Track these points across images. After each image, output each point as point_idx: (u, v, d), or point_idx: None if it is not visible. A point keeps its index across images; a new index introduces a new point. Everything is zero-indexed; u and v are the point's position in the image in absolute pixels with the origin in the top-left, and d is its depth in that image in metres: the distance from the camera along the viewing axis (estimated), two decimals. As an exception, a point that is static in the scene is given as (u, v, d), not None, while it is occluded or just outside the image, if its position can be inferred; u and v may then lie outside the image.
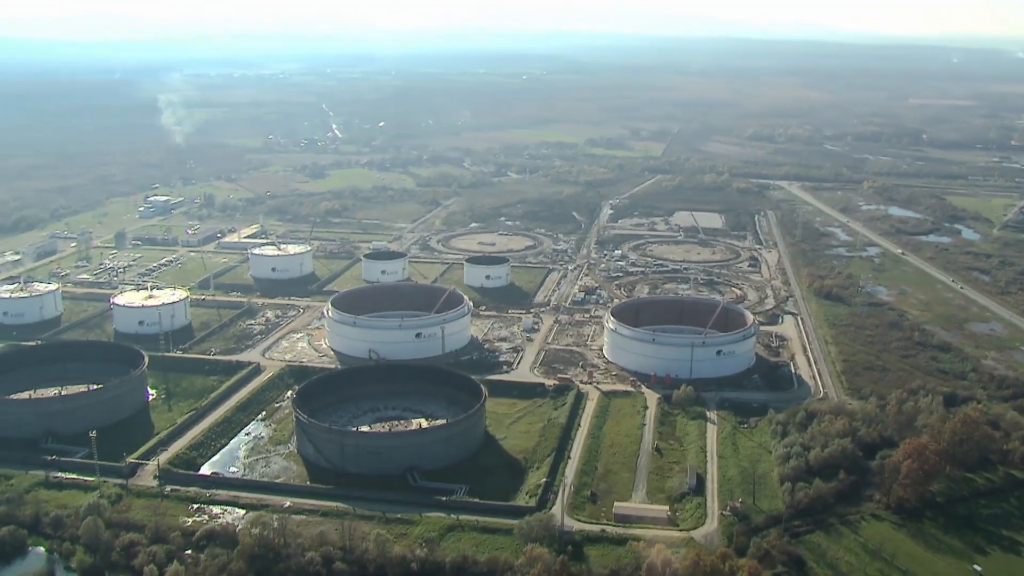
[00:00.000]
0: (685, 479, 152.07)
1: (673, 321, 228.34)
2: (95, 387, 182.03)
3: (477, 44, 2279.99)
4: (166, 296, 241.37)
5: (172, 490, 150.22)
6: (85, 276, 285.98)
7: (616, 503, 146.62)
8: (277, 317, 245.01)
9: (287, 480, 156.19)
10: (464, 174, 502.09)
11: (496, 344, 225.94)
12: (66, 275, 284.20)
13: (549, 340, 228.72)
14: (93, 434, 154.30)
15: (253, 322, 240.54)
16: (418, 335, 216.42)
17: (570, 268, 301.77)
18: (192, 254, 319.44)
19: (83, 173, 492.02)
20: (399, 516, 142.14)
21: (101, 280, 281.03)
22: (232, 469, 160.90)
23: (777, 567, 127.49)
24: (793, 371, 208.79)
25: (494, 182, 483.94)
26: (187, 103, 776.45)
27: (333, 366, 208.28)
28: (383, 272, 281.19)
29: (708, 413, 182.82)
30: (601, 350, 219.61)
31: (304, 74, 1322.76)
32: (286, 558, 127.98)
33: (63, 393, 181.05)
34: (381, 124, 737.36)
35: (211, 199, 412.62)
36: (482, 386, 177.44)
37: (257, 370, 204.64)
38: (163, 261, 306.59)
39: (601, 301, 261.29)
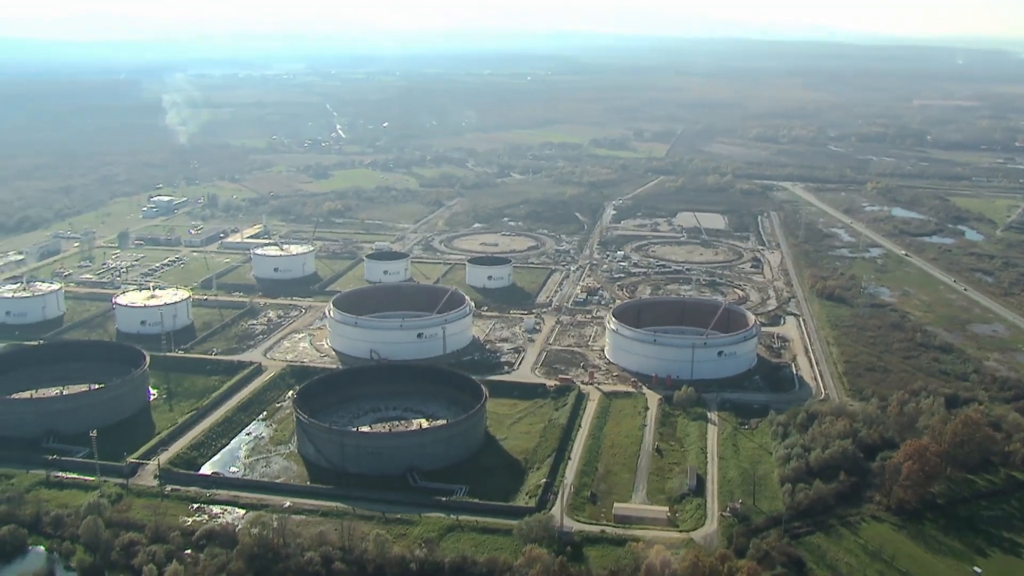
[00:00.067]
0: (685, 480, 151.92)
1: (675, 322, 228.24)
2: (96, 387, 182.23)
3: (478, 45, 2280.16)
4: (168, 296, 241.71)
5: (172, 490, 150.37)
6: (88, 276, 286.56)
7: (616, 504, 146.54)
8: (279, 317, 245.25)
9: (287, 480, 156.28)
10: (467, 175, 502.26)
11: (498, 345, 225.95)
12: (69, 275, 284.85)
13: (551, 341, 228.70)
14: (93, 434, 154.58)
15: (255, 322, 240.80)
16: (419, 335, 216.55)
17: (572, 269, 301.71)
18: (195, 254, 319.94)
19: (87, 173, 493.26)
20: (399, 516, 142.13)
21: (104, 280, 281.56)
22: (233, 469, 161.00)
23: (777, 568, 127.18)
24: (794, 372, 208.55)
25: (497, 183, 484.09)
26: (191, 103, 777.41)
27: (334, 366, 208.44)
28: (385, 272, 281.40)
29: (709, 414, 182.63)
30: (602, 351, 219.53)
31: (308, 75, 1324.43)
32: (285, 558, 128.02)
33: (64, 393, 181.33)
34: (385, 125, 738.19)
35: (214, 199, 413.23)
36: (483, 387, 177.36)
37: (258, 370, 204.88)
38: (166, 261, 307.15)
39: (603, 302, 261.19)
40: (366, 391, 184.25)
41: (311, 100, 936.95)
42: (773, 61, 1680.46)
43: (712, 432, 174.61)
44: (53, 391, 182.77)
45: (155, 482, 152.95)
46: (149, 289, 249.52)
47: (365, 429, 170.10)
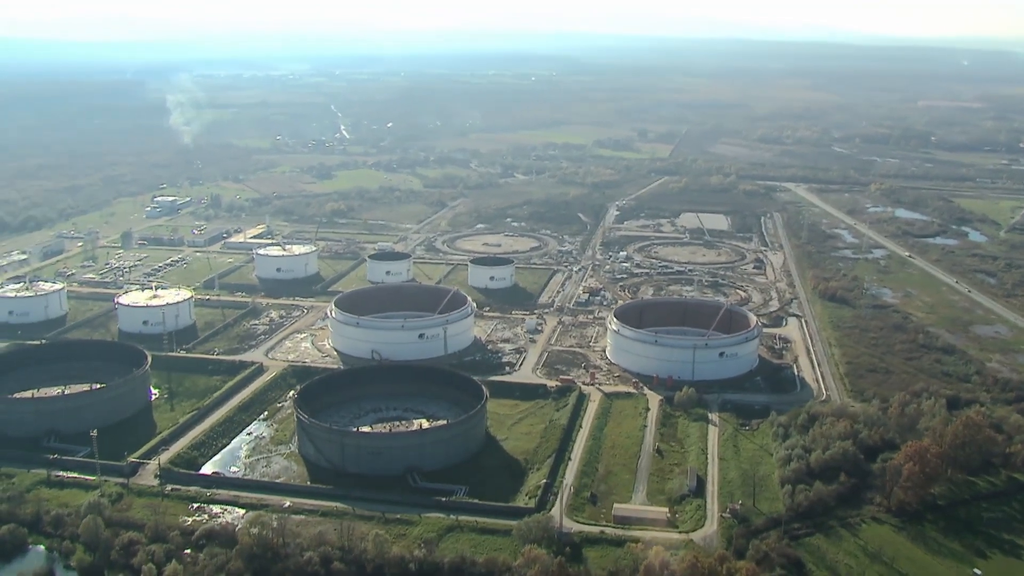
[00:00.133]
0: (685, 481, 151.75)
1: (676, 323, 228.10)
2: (98, 386, 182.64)
3: (482, 45, 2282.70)
4: (170, 296, 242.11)
5: (173, 489, 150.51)
6: (91, 276, 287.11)
7: (616, 504, 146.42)
8: (281, 317, 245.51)
9: (288, 480, 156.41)
10: (471, 175, 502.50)
11: (499, 345, 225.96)
12: (72, 275, 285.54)
13: (552, 341, 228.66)
14: (94, 433, 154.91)
15: (257, 322, 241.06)
16: (421, 336, 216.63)
17: (575, 269, 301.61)
18: (198, 254, 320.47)
19: (91, 173, 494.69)
20: (398, 517, 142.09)
21: (107, 280, 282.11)
22: (233, 469, 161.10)
23: (776, 570, 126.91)
24: (796, 373, 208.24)
25: (501, 183, 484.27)
26: (195, 104, 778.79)
27: (336, 366, 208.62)
28: (388, 273, 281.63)
29: (710, 415, 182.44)
30: (604, 351, 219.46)
31: (313, 75, 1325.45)
32: (284, 558, 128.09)
33: (66, 392, 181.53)
34: (389, 125, 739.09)
35: (218, 199, 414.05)
36: (483, 387, 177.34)
37: (260, 370, 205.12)
38: (169, 261, 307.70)
39: (605, 303, 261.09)
40: (367, 391, 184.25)
41: (316, 100, 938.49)
42: (778, 62, 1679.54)
43: (713, 433, 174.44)
44: (54, 390, 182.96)
45: (156, 482, 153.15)
46: (151, 289, 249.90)
47: (366, 429, 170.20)
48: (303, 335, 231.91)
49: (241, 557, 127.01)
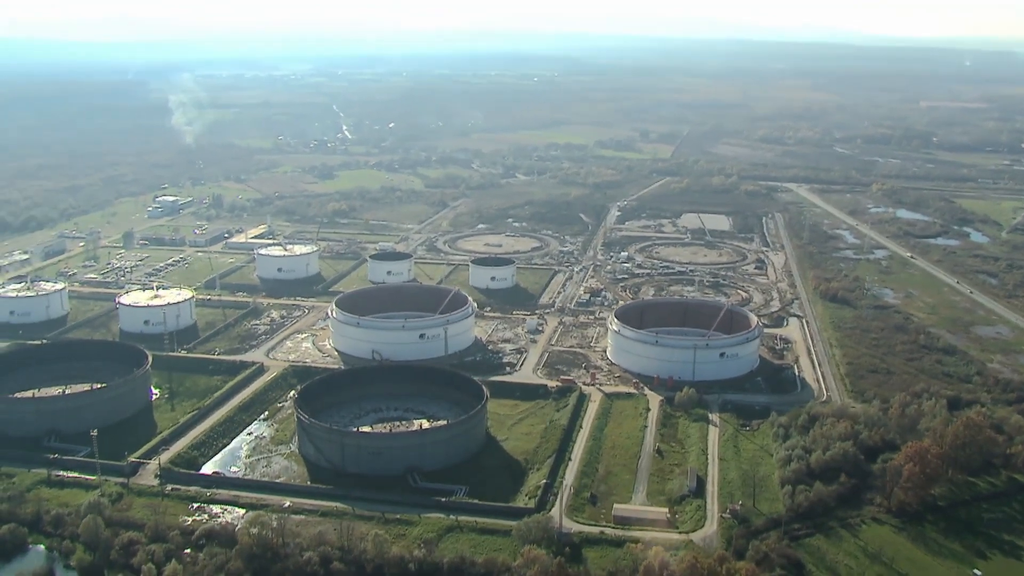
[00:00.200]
0: (685, 481, 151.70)
1: (677, 323, 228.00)
2: (98, 386, 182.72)
3: (484, 45, 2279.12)
4: (171, 296, 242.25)
5: (173, 489, 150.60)
6: (92, 276, 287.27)
7: (615, 505, 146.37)
8: (282, 317, 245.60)
9: (288, 480, 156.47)
10: (472, 175, 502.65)
11: (500, 345, 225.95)
12: (73, 274, 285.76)
13: (553, 342, 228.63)
14: (94, 433, 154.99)
15: (258, 322, 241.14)
16: (421, 336, 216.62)
17: (576, 270, 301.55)
18: (199, 254, 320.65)
19: (93, 173, 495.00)
20: (398, 517, 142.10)
21: (108, 280, 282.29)
22: (233, 469, 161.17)
23: (775, 570, 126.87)
24: (797, 374, 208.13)
25: (502, 183, 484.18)
26: (197, 104, 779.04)
27: (336, 367, 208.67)
28: (389, 273, 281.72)
29: (710, 415, 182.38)
30: (605, 352, 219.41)
31: (315, 75, 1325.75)
32: (284, 558, 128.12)
33: (66, 392, 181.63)
34: (391, 125, 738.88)
35: (219, 199, 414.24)
36: (484, 387, 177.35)
37: (261, 370, 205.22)
38: (170, 261, 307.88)
39: (606, 303, 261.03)
40: (368, 391, 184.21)
41: (318, 100, 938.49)
42: (779, 62, 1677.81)
43: (713, 433, 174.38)
44: (55, 390, 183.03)
45: (156, 481, 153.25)
46: (153, 289, 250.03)
47: (366, 429, 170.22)
48: (304, 335, 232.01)
49: (241, 557, 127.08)
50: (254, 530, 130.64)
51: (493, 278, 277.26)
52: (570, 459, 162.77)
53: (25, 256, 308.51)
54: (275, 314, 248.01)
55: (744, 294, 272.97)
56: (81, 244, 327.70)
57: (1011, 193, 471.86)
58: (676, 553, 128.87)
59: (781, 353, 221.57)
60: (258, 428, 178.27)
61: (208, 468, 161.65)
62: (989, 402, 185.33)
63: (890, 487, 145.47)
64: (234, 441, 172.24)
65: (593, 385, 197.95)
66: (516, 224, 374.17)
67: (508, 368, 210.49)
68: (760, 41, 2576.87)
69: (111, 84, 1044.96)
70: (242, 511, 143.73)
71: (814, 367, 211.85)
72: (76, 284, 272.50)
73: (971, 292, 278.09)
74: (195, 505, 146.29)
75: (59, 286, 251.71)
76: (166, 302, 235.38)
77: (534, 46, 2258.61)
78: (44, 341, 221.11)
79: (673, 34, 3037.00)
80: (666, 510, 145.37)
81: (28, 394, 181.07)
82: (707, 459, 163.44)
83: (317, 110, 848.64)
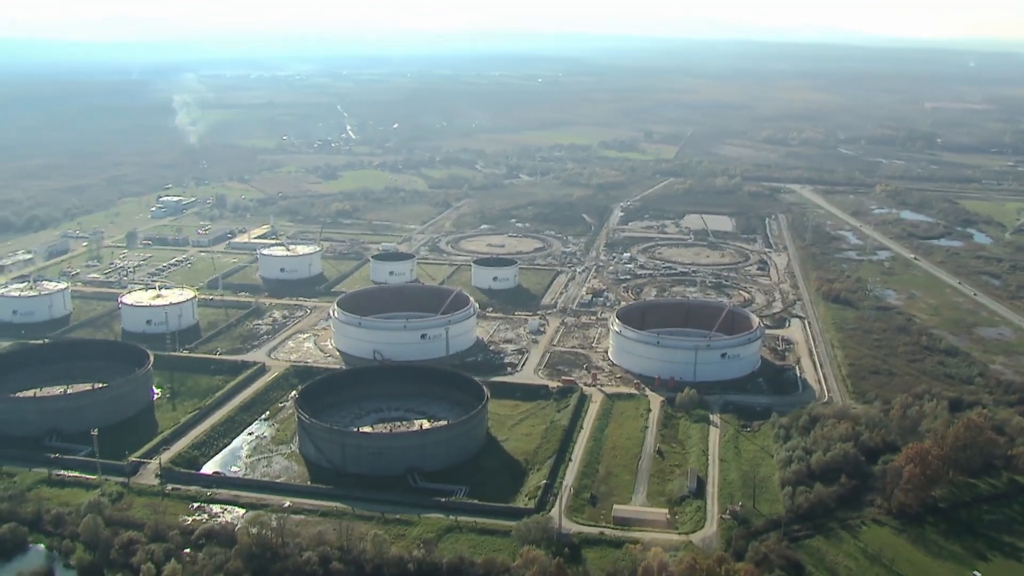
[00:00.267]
0: (685, 482, 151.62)
1: (679, 324, 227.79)
2: (100, 386, 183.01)
3: (488, 46, 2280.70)
4: (174, 296, 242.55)
5: (173, 489, 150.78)
6: (95, 275, 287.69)
7: (615, 505, 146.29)
8: (284, 317, 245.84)
9: (288, 480, 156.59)
10: (476, 176, 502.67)
11: (501, 346, 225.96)
12: (76, 274, 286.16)
13: (554, 342, 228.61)
14: (95, 432, 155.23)
15: (260, 322, 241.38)
16: (423, 336, 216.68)
17: (578, 270, 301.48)
18: (202, 254, 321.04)
19: (96, 173, 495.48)
20: (398, 517, 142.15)
21: (111, 279, 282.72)
22: (234, 468, 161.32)
23: (775, 571, 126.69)
24: (798, 375, 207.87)
25: (505, 184, 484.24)
26: (201, 104, 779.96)
27: (338, 367, 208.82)
28: (391, 273, 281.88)
29: (711, 416, 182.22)
30: (606, 353, 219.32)
31: (319, 76, 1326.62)
32: (284, 558, 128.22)
33: (68, 392, 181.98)
34: (395, 126, 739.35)
35: (223, 199, 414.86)
36: (484, 387, 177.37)
37: (262, 370, 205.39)
38: (173, 261, 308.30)
39: (608, 304, 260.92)
40: (369, 392, 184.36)
41: (322, 101, 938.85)
42: (783, 63, 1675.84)
43: (714, 434, 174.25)
44: (57, 390, 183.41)
45: (156, 481, 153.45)
46: (155, 289, 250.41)
47: (366, 429, 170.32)
48: (306, 335, 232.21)
49: (240, 557, 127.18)
50: (253, 530, 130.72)
51: (495, 279, 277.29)
52: (570, 460, 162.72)
53: (28, 256, 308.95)
54: (277, 314, 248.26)
55: (746, 295, 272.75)
56: (84, 244, 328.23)
57: (1015, 194, 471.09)
58: (675, 554, 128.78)
59: (783, 354, 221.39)
60: (259, 428, 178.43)
61: (209, 468, 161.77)
62: (991, 404, 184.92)
63: (890, 488, 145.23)
64: (235, 441, 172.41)
65: (594, 386, 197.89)
66: (519, 225, 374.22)
67: (509, 369, 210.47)
68: (761, 41, 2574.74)
69: (112, 84, 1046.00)
70: (242, 511, 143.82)
71: (816, 368, 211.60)
72: (79, 284, 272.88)
73: (974, 293, 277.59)
74: (195, 505, 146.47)
75: (62, 286, 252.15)
76: (168, 302, 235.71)
77: (534, 46, 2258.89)
78: (46, 341, 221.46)
79: (673, 34, 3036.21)
80: (666, 511, 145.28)
81: (30, 393, 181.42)
82: (707, 460, 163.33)
83: (321, 110, 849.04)
